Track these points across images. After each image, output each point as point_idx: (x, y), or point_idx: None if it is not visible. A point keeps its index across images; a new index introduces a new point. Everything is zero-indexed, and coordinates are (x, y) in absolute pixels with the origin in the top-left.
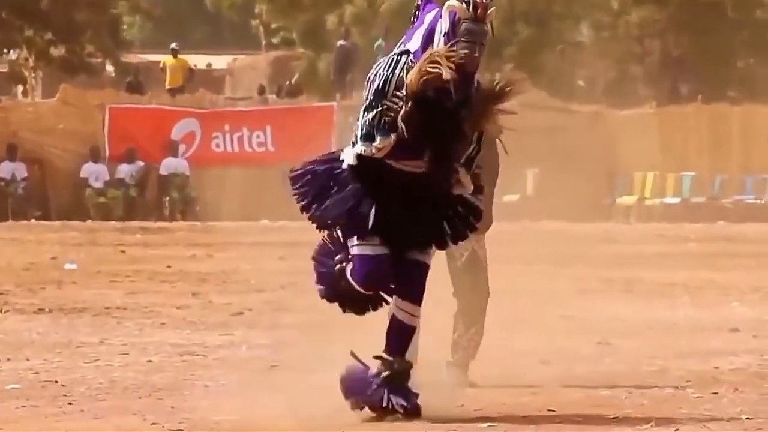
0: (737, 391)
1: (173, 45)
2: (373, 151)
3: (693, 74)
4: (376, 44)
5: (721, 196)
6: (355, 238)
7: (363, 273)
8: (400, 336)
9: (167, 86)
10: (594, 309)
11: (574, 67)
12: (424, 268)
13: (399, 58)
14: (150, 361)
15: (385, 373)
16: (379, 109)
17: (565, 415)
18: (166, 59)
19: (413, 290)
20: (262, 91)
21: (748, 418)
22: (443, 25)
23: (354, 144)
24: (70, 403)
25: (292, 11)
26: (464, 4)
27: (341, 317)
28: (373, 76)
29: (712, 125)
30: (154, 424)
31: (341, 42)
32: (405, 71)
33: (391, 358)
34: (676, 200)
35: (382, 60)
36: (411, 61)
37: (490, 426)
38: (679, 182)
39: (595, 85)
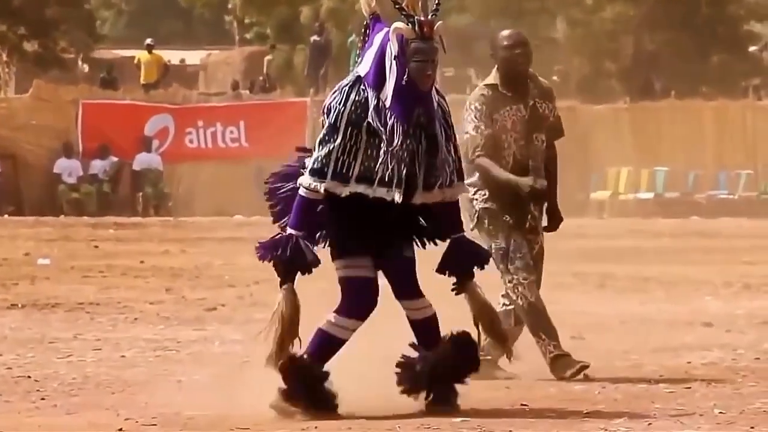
0: (710, 385)
1: (148, 41)
2: (321, 190)
3: (667, 70)
4: (349, 40)
5: (695, 191)
6: (342, 260)
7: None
8: (429, 330)
9: (142, 82)
10: (567, 304)
11: (548, 63)
12: (413, 263)
13: (350, 90)
14: (123, 356)
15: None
16: (332, 147)
17: (539, 410)
18: (141, 55)
19: (411, 288)
20: (235, 86)
21: (721, 413)
22: (392, 48)
23: (307, 169)
24: (43, 399)
25: (265, 6)
26: (410, 24)
27: (314, 313)
28: (327, 106)
29: (686, 121)
30: (127, 419)
31: (315, 37)
32: (356, 105)
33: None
34: (650, 195)
35: (337, 89)
36: (362, 90)
37: (463, 421)
38: (652, 177)
39: (569, 80)
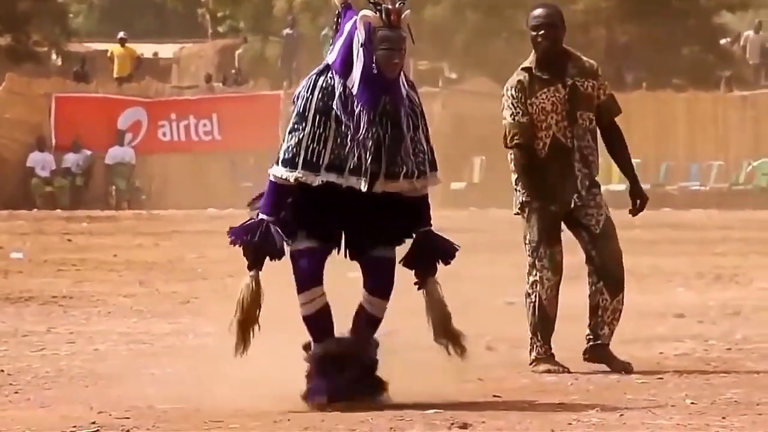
0: (682, 376)
1: (121, 34)
2: (292, 181)
3: (638, 62)
4: (322, 33)
5: (667, 182)
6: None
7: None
8: (370, 327)
9: (115, 75)
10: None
11: (519, 55)
12: (392, 263)
13: (318, 77)
14: (97, 349)
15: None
16: (302, 135)
17: (511, 401)
18: (114, 48)
19: (386, 288)
20: (208, 79)
21: (692, 403)
22: (360, 36)
23: (277, 159)
24: (16, 392)
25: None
26: (377, 12)
27: (288, 306)
28: (296, 95)
29: (657, 112)
30: (100, 412)
31: (287, 31)
32: (324, 92)
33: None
34: (622, 187)
35: (307, 78)
36: (330, 77)
37: (436, 412)
38: None
39: None
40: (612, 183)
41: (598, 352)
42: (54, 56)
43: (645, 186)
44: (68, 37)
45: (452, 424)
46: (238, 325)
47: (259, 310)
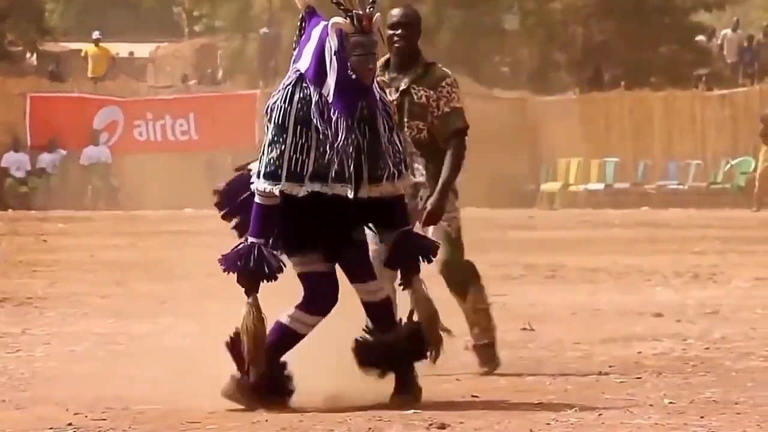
0: (660, 375)
1: (96, 34)
2: (276, 193)
3: (616, 60)
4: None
5: (645, 182)
6: (297, 257)
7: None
8: (383, 313)
9: (90, 75)
10: (517, 295)
11: (497, 53)
12: (366, 246)
13: (294, 87)
14: (73, 351)
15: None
16: (283, 147)
17: (489, 401)
18: (88, 48)
19: (365, 270)
20: (185, 79)
21: (671, 403)
22: (332, 44)
23: (259, 174)
24: None
25: None
26: (348, 19)
27: (267, 306)
28: (271, 105)
29: (635, 111)
30: (76, 414)
31: (264, 30)
32: (302, 102)
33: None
34: (600, 186)
35: (280, 88)
36: (305, 86)
37: (414, 413)
38: (602, 168)
39: (519, 71)
40: (590, 182)
41: (479, 352)
42: (29, 55)
43: (623, 185)
44: (44, 37)
45: (430, 424)
46: (249, 357)
47: (266, 335)
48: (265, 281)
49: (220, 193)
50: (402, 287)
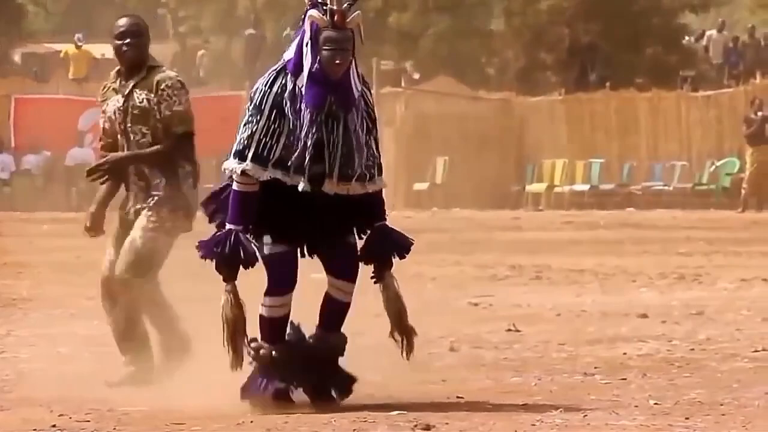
0: (645, 376)
1: (78, 36)
2: (239, 172)
3: (601, 61)
4: (284, 33)
5: (630, 182)
6: (263, 238)
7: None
8: (339, 315)
9: (71, 77)
10: (503, 296)
11: (483, 54)
12: (354, 247)
13: (277, 74)
14: (58, 352)
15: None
16: (255, 128)
17: (475, 402)
18: (68, 49)
19: (351, 270)
20: None
21: (656, 404)
22: (306, 35)
23: (231, 152)
24: None
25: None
26: (323, 12)
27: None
28: (254, 89)
29: (620, 112)
30: (61, 415)
31: (250, 31)
32: (282, 88)
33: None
34: (586, 187)
35: (267, 74)
36: (287, 73)
37: (399, 414)
38: (588, 169)
39: (505, 72)
40: (576, 183)
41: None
42: (13, 57)
43: (609, 186)
44: (28, 38)
45: (415, 425)
46: (229, 342)
47: (245, 322)
48: (242, 267)
49: (211, 195)
50: (374, 281)
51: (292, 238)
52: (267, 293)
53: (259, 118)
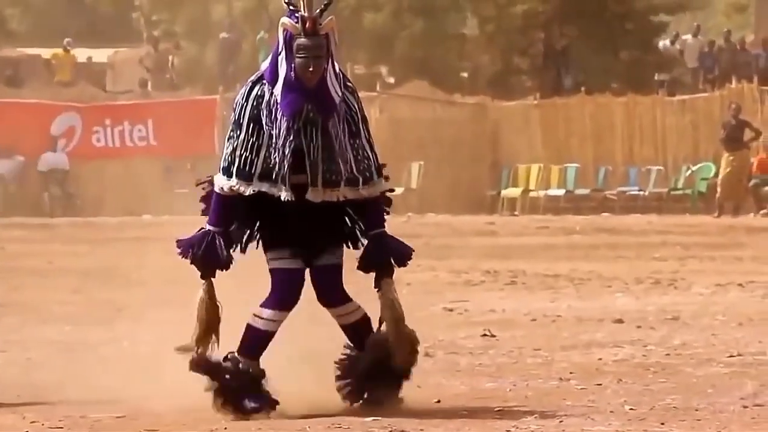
0: (621, 382)
1: (67, 40)
2: (226, 190)
3: (576, 65)
4: (258, 36)
5: (606, 187)
6: (268, 252)
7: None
8: (360, 333)
9: (56, 80)
10: (478, 301)
11: (457, 58)
12: (339, 269)
13: (254, 85)
14: (30, 358)
15: None
16: (236, 143)
17: (450, 408)
18: (57, 53)
19: (337, 295)
20: (143, 84)
21: (631, 409)
22: (279, 44)
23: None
24: None
25: (173, 3)
26: (294, 20)
27: (226, 311)
28: (235, 100)
29: (596, 116)
30: (33, 422)
31: (224, 34)
32: (257, 100)
33: None
34: (561, 192)
35: (245, 85)
36: (263, 84)
37: (374, 420)
38: (563, 174)
39: (479, 76)
40: (551, 188)
41: None
42: None
43: (584, 191)
44: (1, 42)
45: (390, 431)
46: (197, 340)
47: (219, 323)
48: (217, 269)
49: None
50: (376, 290)
51: (292, 251)
52: (267, 306)
53: (239, 132)
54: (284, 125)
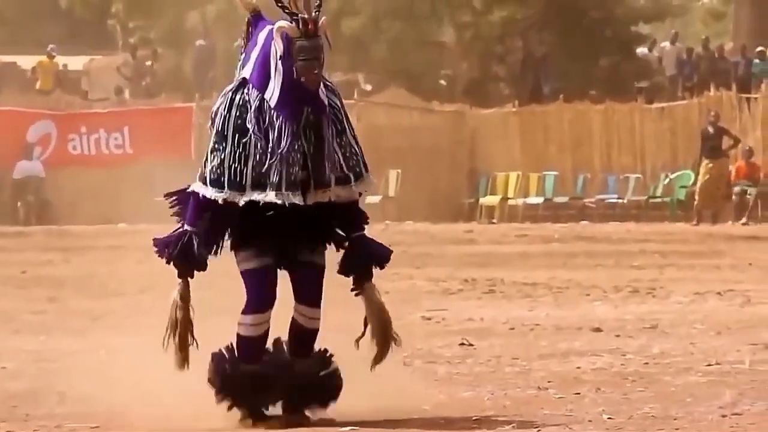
0: (599, 391)
1: (51, 47)
2: (221, 202)
3: (555, 73)
4: (236, 44)
5: (584, 195)
6: (240, 254)
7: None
8: (306, 341)
9: (38, 88)
10: (455, 310)
11: (435, 66)
12: (322, 272)
13: (234, 94)
14: (4, 368)
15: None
16: (223, 156)
17: (428, 418)
18: (42, 60)
19: (315, 295)
20: (119, 92)
21: (610, 418)
22: (277, 48)
23: (205, 180)
24: None
25: (150, 10)
26: (293, 22)
27: (204, 319)
28: (214, 110)
29: (574, 124)
30: None
31: (200, 42)
32: (240, 110)
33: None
34: (539, 200)
35: (222, 95)
36: (246, 92)
37: (352, 429)
38: (541, 182)
39: (457, 84)
40: (529, 195)
41: None
42: None
43: (562, 199)
44: None
45: None
46: (176, 341)
47: (191, 323)
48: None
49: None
50: (354, 293)
51: (269, 254)
52: (245, 311)
53: (224, 145)
54: (287, 130)
